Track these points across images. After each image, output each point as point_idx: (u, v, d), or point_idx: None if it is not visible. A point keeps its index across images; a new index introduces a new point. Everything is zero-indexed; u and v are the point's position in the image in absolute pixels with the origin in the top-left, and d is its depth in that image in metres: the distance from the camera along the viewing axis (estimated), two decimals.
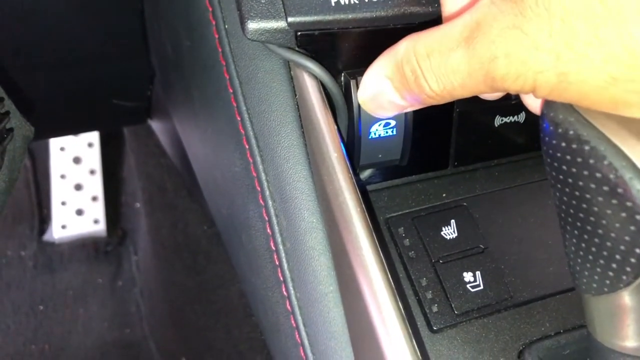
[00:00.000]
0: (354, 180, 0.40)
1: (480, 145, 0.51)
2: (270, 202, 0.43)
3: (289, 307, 0.43)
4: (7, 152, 0.47)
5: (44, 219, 1.35)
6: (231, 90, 0.44)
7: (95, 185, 1.37)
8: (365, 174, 0.48)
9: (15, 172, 0.49)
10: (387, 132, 0.44)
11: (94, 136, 1.38)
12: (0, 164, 0.46)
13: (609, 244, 0.30)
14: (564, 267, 0.47)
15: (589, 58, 0.27)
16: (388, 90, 0.37)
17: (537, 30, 0.28)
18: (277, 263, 0.43)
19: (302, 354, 0.43)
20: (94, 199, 1.36)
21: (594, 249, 0.31)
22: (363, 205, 0.40)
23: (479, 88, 0.32)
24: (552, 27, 0.27)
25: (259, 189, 0.44)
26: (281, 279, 0.43)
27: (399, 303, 0.37)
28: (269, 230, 0.44)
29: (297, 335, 0.43)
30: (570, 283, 0.47)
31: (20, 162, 0.50)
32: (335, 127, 0.42)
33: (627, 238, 0.29)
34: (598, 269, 0.32)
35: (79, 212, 1.35)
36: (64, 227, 1.34)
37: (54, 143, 1.36)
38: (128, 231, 1.36)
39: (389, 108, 0.39)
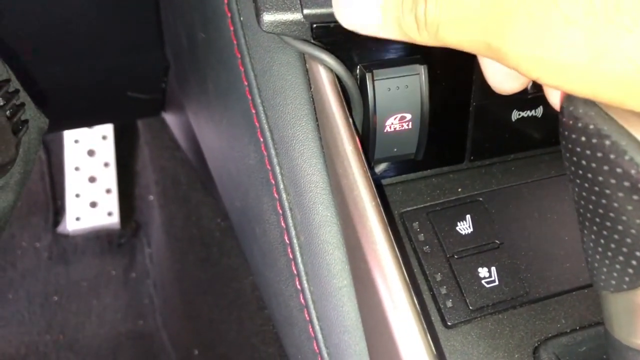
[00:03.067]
0: (369, 174, 0.40)
1: (497, 140, 0.50)
2: (284, 195, 0.43)
3: (302, 301, 0.43)
4: (22, 144, 0.47)
5: (59, 211, 1.36)
6: (246, 83, 0.44)
7: (109, 177, 1.38)
8: (380, 168, 0.48)
9: (30, 163, 0.49)
10: (402, 126, 0.44)
11: (108, 129, 1.38)
12: (15, 155, 0.46)
13: (629, 240, 0.30)
14: (581, 263, 0.47)
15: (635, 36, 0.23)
16: None
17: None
18: (291, 256, 0.43)
19: (316, 348, 0.43)
20: (108, 191, 1.37)
21: (613, 245, 0.31)
22: (378, 199, 0.39)
23: (477, 45, 0.28)
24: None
25: (273, 182, 0.44)
26: (295, 272, 0.43)
27: (414, 298, 0.37)
28: (283, 224, 0.44)
29: (310, 329, 0.43)
30: (587, 279, 0.46)
31: (35, 153, 0.50)
32: (351, 120, 0.41)
33: None
34: (617, 266, 0.31)
35: (93, 205, 1.36)
36: (78, 219, 1.35)
37: (69, 135, 1.37)
38: (141, 224, 1.36)
39: (358, 14, 0.32)
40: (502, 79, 0.36)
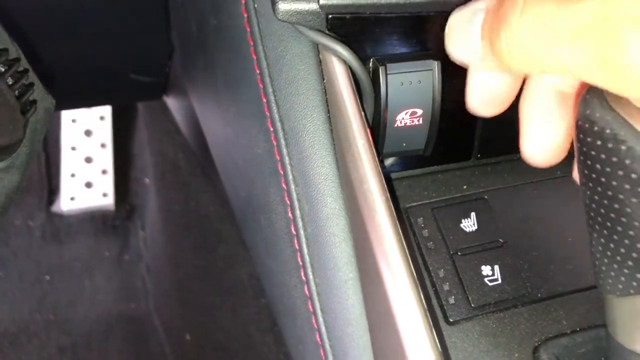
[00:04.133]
0: (380, 168, 0.40)
1: (505, 138, 0.50)
2: (292, 186, 0.43)
3: (307, 292, 0.43)
4: (30, 124, 0.47)
5: (53, 190, 1.35)
6: (258, 71, 0.44)
7: (106, 158, 1.37)
8: (388, 162, 0.48)
9: (36, 144, 0.48)
10: (413, 121, 0.44)
11: (106, 109, 1.37)
12: (23, 136, 0.46)
13: (639, 245, 0.30)
14: (583, 265, 0.47)
15: None
16: (476, 20, 0.29)
17: None
18: (297, 248, 0.43)
19: (318, 339, 0.43)
20: (104, 172, 1.37)
21: (623, 250, 0.31)
22: (388, 194, 0.39)
23: (590, 71, 0.24)
24: None
25: (281, 172, 0.43)
26: (300, 263, 0.43)
27: (421, 294, 0.37)
28: (290, 215, 0.43)
29: (314, 321, 0.43)
30: (588, 281, 0.47)
31: (42, 134, 0.50)
32: (363, 113, 0.41)
33: None
34: (625, 270, 0.31)
35: (88, 185, 1.36)
36: (72, 199, 1.34)
37: (66, 115, 1.36)
38: (136, 206, 1.36)
39: (465, 53, 0.31)
40: (485, 102, 0.35)
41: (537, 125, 0.33)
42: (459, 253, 0.45)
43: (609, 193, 0.30)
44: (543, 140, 0.33)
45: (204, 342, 1.00)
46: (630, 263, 0.31)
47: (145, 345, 1.20)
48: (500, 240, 0.47)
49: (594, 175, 0.31)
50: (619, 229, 0.30)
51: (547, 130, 0.33)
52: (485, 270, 0.45)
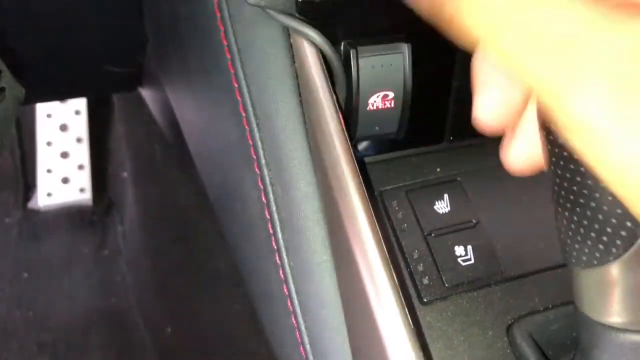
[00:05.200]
0: (352, 151, 0.40)
1: None
2: (265, 171, 0.43)
3: (281, 276, 0.43)
4: None
5: (29, 186, 1.34)
6: (229, 56, 0.44)
7: (82, 153, 1.36)
8: (361, 146, 0.48)
9: (4, 130, 0.48)
10: (385, 104, 0.44)
11: (81, 103, 1.36)
12: None
13: (600, 217, 0.31)
14: (554, 243, 0.48)
15: None
16: None
17: None
18: (271, 232, 0.43)
19: (294, 322, 0.43)
20: (80, 167, 1.35)
21: (585, 222, 0.32)
22: (360, 177, 0.40)
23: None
24: None
25: (254, 157, 0.44)
26: (275, 247, 0.43)
27: (393, 274, 0.37)
28: (263, 199, 0.44)
29: (289, 304, 0.43)
30: (560, 260, 0.47)
31: (11, 122, 0.49)
32: (335, 97, 0.41)
33: (618, 211, 0.30)
34: (589, 242, 0.32)
35: (65, 180, 1.34)
36: (49, 194, 1.33)
37: (41, 109, 1.34)
38: (114, 201, 1.35)
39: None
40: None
41: (484, 87, 0.32)
42: (433, 234, 0.46)
43: (571, 166, 0.31)
44: (490, 103, 0.32)
45: (184, 334, 1.00)
46: (592, 234, 0.32)
47: (127, 340, 1.20)
48: (473, 220, 0.47)
49: (556, 150, 0.31)
50: (581, 201, 0.31)
51: (496, 92, 0.31)
52: (459, 250, 0.46)
